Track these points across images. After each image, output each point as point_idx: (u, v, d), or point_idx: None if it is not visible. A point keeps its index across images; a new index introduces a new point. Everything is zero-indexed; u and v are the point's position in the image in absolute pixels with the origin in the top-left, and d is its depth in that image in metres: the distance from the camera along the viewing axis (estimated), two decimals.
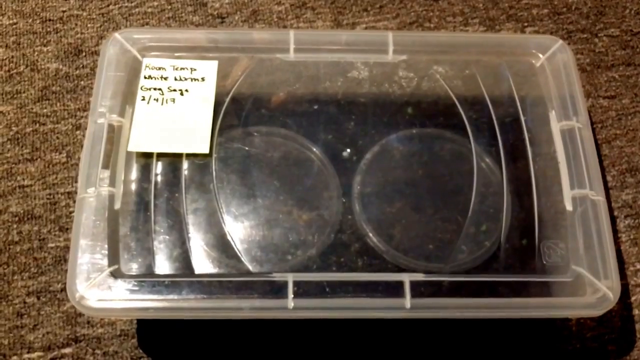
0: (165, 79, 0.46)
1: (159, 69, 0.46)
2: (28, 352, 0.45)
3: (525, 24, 0.58)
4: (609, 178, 0.51)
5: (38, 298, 0.46)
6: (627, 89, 0.55)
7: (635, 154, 0.53)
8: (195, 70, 0.46)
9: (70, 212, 0.49)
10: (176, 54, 0.47)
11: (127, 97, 0.45)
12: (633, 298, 0.48)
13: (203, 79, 0.46)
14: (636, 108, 0.54)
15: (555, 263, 0.42)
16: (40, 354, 0.45)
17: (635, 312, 0.47)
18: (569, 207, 0.43)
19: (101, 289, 0.39)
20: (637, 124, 0.54)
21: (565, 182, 0.44)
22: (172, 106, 0.45)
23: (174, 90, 0.46)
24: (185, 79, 0.46)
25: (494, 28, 0.57)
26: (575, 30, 0.58)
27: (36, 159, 0.51)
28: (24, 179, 0.50)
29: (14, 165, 0.51)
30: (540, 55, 0.48)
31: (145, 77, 0.46)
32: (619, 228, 0.50)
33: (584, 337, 0.46)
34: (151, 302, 0.39)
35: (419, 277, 0.40)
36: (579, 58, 0.55)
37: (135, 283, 0.39)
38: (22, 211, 0.49)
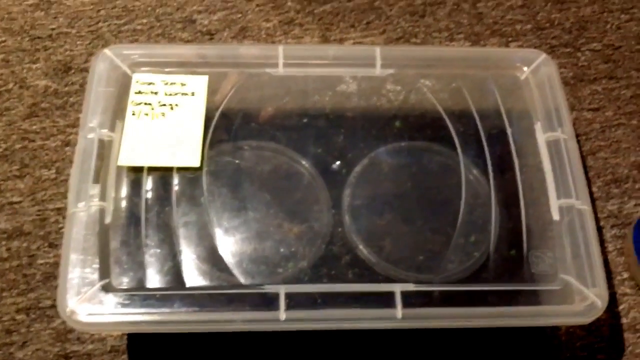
0: (156, 93, 0.46)
1: (149, 84, 0.46)
2: None
3: (510, 39, 0.59)
4: (594, 189, 0.52)
5: (27, 315, 0.46)
6: (610, 101, 0.56)
7: (620, 165, 0.54)
8: (185, 85, 0.47)
9: (60, 228, 0.49)
10: (166, 70, 0.47)
11: (117, 112, 0.45)
12: (621, 307, 0.48)
13: (193, 94, 0.47)
14: (619, 120, 0.55)
15: (544, 272, 0.42)
16: None
17: (624, 320, 0.48)
18: (556, 216, 0.44)
19: (92, 303, 0.39)
20: (620, 135, 0.55)
21: (552, 192, 0.44)
22: (163, 120, 0.46)
23: (164, 104, 0.46)
24: (176, 94, 0.46)
25: (479, 43, 0.58)
26: (559, 44, 0.59)
27: (25, 176, 0.51)
28: (13, 196, 0.50)
29: (2, 182, 0.51)
30: (525, 69, 0.49)
31: (135, 92, 0.46)
32: (605, 238, 0.51)
33: (574, 346, 0.46)
34: (142, 316, 0.39)
35: (410, 287, 0.41)
36: (562, 72, 0.56)
37: (127, 297, 0.39)
38: (11, 228, 0.49)
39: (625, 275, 0.49)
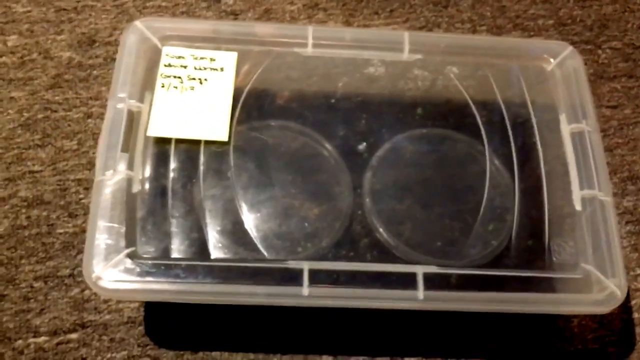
0: (185, 67, 0.46)
1: (179, 57, 0.46)
2: (34, 337, 0.44)
3: (532, 34, 0.59)
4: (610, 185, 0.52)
5: (45, 283, 0.46)
6: (629, 99, 0.57)
7: (636, 162, 0.54)
8: (214, 60, 0.47)
9: (80, 199, 0.49)
10: (195, 45, 0.47)
11: (146, 84, 0.45)
12: (633, 302, 0.48)
13: (222, 69, 0.47)
14: (637, 118, 0.56)
15: (565, 261, 0.43)
16: (46, 338, 0.44)
17: (635, 315, 0.48)
18: (578, 207, 0.44)
19: (117, 270, 0.39)
20: (638, 133, 0.55)
21: (575, 183, 0.45)
22: (192, 94, 0.46)
23: (194, 78, 0.46)
24: (205, 69, 0.47)
25: (501, 36, 0.58)
26: (580, 41, 0.59)
27: (47, 145, 0.51)
28: (34, 165, 0.50)
29: (24, 150, 0.51)
30: (552, 60, 0.49)
31: (165, 65, 0.46)
32: (620, 234, 0.51)
33: (585, 338, 0.46)
34: (167, 285, 0.39)
35: (432, 269, 0.41)
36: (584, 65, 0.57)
37: (152, 265, 0.39)
38: (31, 196, 0.49)
39: (639, 271, 0.50)
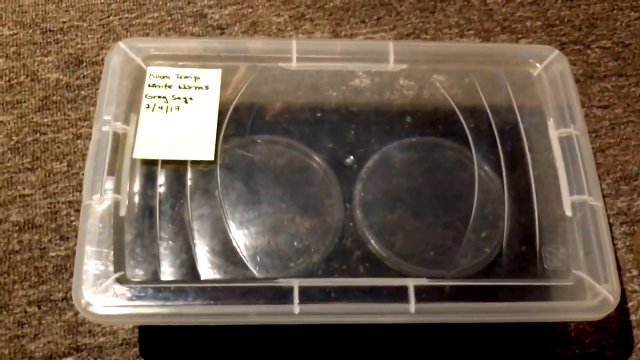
0: (170, 87, 0.46)
1: (163, 77, 0.46)
2: None
3: (520, 36, 0.59)
4: (603, 186, 0.52)
5: (39, 307, 0.46)
6: (620, 99, 0.56)
7: (629, 162, 0.54)
8: (199, 78, 0.47)
9: (72, 221, 0.49)
10: (180, 63, 0.47)
11: (131, 106, 0.45)
12: (630, 304, 0.48)
13: (207, 87, 0.47)
14: (629, 117, 0.56)
15: (556, 268, 0.43)
16: None
17: (633, 317, 0.48)
18: (568, 212, 0.44)
19: (107, 295, 0.39)
20: (630, 133, 0.55)
21: (565, 188, 0.44)
22: (177, 114, 0.46)
23: (179, 98, 0.46)
24: (189, 87, 0.46)
25: (489, 40, 0.58)
26: (568, 41, 0.59)
27: (37, 168, 0.51)
28: (24, 188, 0.50)
29: (14, 174, 0.51)
30: (538, 65, 0.49)
31: (149, 86, 0.46)
32: (614, 235, 0.51)
33: (583, 342, 0.46)
34: (157, 308, 0.39)
35: (423, 282, 0.41)
36: (572, 69, 0.56)
37: (141, 289, 0.39)
38: (22, 220, 0.49)
39: (635, 272, 0.49)
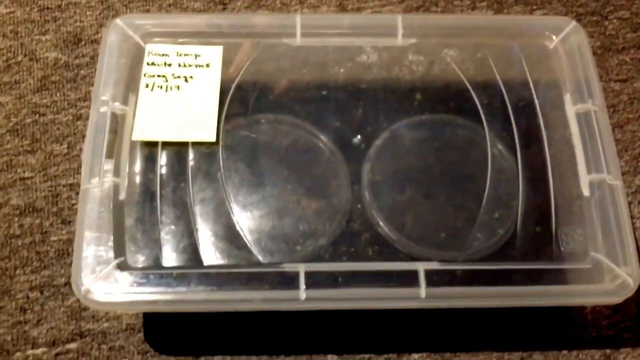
0: (169, 65, 0.45)
1: (162, 55, 0.45)
2: (32, 348, 0.44)
3: (534, 7, 0.57)
4: (621, 163, 0.51)
5: (41, 292, 0.45)
6: (639, 72, 0.54)
7: None
8: (199, 56, 0.45)
9: (73, 205, 0.48)
10: (179, 40, 0.46)
11: (130, 85, 0.44)
12: None
13: (208, 65, 0.45)
14: None
15: (573, 250, 0.41)
16: (45, 349, 0.44)
17: None
18: (586, 192, 0.42)
19: (107, 282, 0.38)
20: None
21: (582, 167, 0.43)
22: (177, 93, 0.44)
23: (178, 77, 0.44)
24: (190, 65, 0.45)
25: (502, 11, 0.56)
26: (585, 13, 0.57)
27: (36, 151, 0.50)
28: (24, 171, 0.49)
29: (13, 157, 0.50)
30: (554, 37, 0.47)
31: (148, 64, 0.45)
32: (633, 214, 0.49)
33: (600, 325, 0.45)
34: (159, 295, 0.38)
35: (434, 265, 0.39)
36: (589, 41, 0.54)
37: (142, 275, 0.38)
38: (23, 204, 0.48)
39: None
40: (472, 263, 0.41)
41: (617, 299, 0.39)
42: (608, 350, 0.44)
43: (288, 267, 0.39)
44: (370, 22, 0.47)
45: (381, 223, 0.42)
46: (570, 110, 0.45)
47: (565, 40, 0.47)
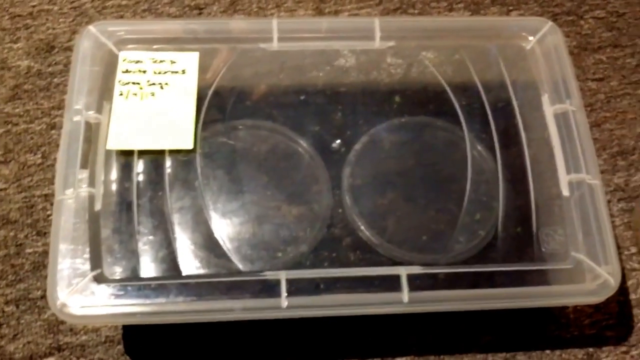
0: (144, 72, 0.44)
1: (137, 62, 0.44)
2: None
3: (511, 8, 0.57)
4: (600, 162, 0.51)
5: (17, 306, 0.44)
6: (615, 70, 0.55)
7: (626, 136, 0.52)
8: (175, 62, 0.45)
9: (48, 216, 0.47)
10: (154, 47, 0.45)
11: (104, 93, 0.43)
12: (629, 282, 0.47)
13: (184, 72, 0.44)
14: (625, 90, 0.54)
15: (554, 250, 0.41)
16: None
17: (632, 296, 0.47)
18: (565, 192, 0.42)
19: (84, 295, 0.37)
20: (626, 106, 0.53)
21: (561, 167, 0.43)
22: (152, 101, 0.43)
23: (154, 84, 0.44)
24: (165, 72, 0.44)
25: (479, 12, 0.56)
26: (561, 12, 0.57)
27: (10, 161, 0.49)
28: None
29: None
30: (531, 38, 0.47)
31: (122, 71, 0.44)
32: (612, 212, 0.49)
33: (582, 324, 0.45)
34: (137, 307, 0.37)
35: (416, 269, 0.39)
36: (565, 41, 0.55)
37: (120, 287, 0.38)
38: None
39: (633, 250, 0.48)
40: (454, 266, 0.40)
41: (598, 299, 0.39)
42: (591, 349, 0.45)
43: (269, 275, 0.38)
44: (348, 25, 0.47)
45: (362, 227, 0.42)
46: (549, 110, 0.45)
47: (542, 40, 0.47)
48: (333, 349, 0.44)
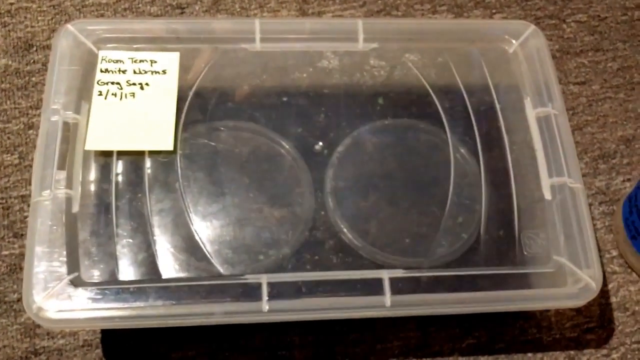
0: (124, 72, 0.43)
1: (117, 61, 0.43)
2: None
3: (494, 11, 0.57)
4: (581, 165, 0.51)
5: None
6: (597, 74, 0.55)
7: (607, 140, 0.53)
8: (155, 62, 0.44)
9: (25, 217, 0.46)
10: (134, 46, 0.44)
11: (82, 93, 0.42)
12: (610, 285, 0.47)
13: (164, 72, 0.44)
14: (606, 94, 0.54)
15: (536, 253, 0.41)
16: None
17: (613, 299, 0.47)
18: (547, 195, 0.42)
19: (60, 298, 0.36)
20: (607, 109, 0.54)
21: (543, 171, 0.43)
22: (132, 101, 0.43)
23: (134, 84, 0.43)
24: (145, 72, 0.44)
25: (462, 15, 0.56)
26: (544, 16, 0.57)
27: None
28: None
29: None
30: (513, 41, 0.47)
31: (101, 71, 0.43)
32: (593, 215, 0.50)
33: (563, 326, 0.45)
34: (116, 311, 0.37)
35: (399, 273, 0.39)
36: (547, 44, 0.55)
37: (98, 291, 0.37)
38: None
39: (614, 253, 0.48)
40: (436, 270, 0.40)
41: (580, 302, 0.40)
42: (572, 352, 0.45)
43: (250, 278, 0.38)
44: (331, 27, 0.47)
45: (345, 230, 0.42)
46: (531, 114, 0.45)
47: (524, 44, 0.47)
48: (315, 349, 0.43)
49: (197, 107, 0.44)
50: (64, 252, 0.38)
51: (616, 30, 0.57)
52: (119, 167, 0.41)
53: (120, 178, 0.41)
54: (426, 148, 0.45)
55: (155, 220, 0.40)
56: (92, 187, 0.41)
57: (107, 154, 0.41)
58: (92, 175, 0.41)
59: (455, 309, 0.39)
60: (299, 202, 0.42)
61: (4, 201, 0.47)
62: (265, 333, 0.43)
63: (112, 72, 0.43)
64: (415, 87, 0.46)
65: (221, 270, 0.40)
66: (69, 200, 0.39)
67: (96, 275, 0.38)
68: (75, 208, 0.39)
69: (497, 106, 0.45)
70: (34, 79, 0.51)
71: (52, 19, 0.53)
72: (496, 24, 0.51)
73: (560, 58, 0.55)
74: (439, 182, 0.44)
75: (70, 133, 0.41)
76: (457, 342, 0.44)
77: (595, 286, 0.39)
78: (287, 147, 0.44)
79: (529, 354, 0.44)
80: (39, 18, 0.53)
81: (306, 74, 0.46)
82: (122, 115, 0.42)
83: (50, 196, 0.38)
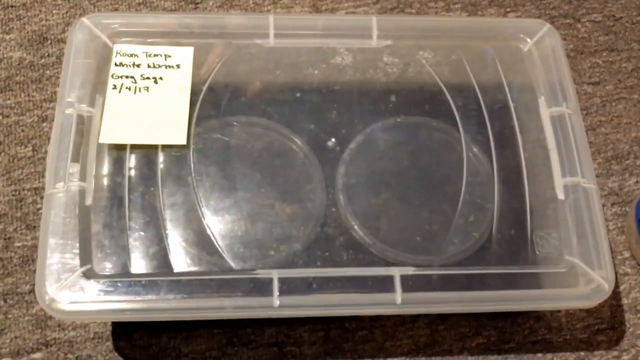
0: (138, 66, 0.43)
1: (131, 55, 0.44)
2: None
3: (508, 10, 0.57)
4: (595, 166, 0.51)
5: (5, 301, 0.44)
6: (611, 74, 0.55)
7: (621, 140, 0.52)
8: (169, 57, 0.44)
9: (38, 209, 0.46)
10: (149, 40, 0.44)
11: (97, 86, 0.43)
12: (622, 287, 0.47)
13: (178, 66, 0.44)
14: (620, 94, 0.54)
15: (548, 253, 0.41)
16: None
17: (625, 301, 0.47)
18: (560, 195, 0.42)
19: (73, 290, 0.37)
20: (621, 110, 0.53)
21: (557, 170, 0.43)
22: (146, 95, 0.43)
23: (148, 78, 0.43)
24: (159, 66, 0.44)
25: (477, 14, 0.56)
26: (558, 15, 0.57)
27: (0, 153, 0.48)
28: None
29: None
30: (528, 40, 0.47)
31: (116, 65, 0.43)
32: (605, 216, 0.49)
33: (574, 327, 0.45)
34: (127, 304, 0.37)
35: (410, 270, 0.39)
36: (562, 43, 0.55)
37: (110, 283, 0.37)
38: None
39: (626, 254, 0.48)
40: (447, 268, 0.40)
41: (591, 303, 0.39)
42: (582, 353, 0.44)
43: (261, 274, 0.38)
44: (345, 23, 0.47)
45: (356, 227, 0.42)
46: (545, 113, 0.45)
47: (539, 43, 0.47)
48: (324, 346, 0.43)
49: (210, 102, 0.44)
50: (77, 245, 0.38)
51: (631, 31, 0.56)
52: (132, 160, 0.42)
53: (133, 171, 0.41)
54: (438, 146, 0.45)
55: (168, 214, 0.40)
56: (106, 180, 0.41)
57: (120, 147, 0.42)
58: (106, 168, 0.41)
59: (465, 307, 0.39)
60: (311, 198, 0.42)
61: (17, 193, 0.47)
62: (275, 328, 0.43)
63: (127, 66, 0.43)
64: (429, 85, 0.46)
65: (232, 264, 0.40)
66: (82, 192, 0.39)
67: (108, 267, 0.39)
68: (89, 201, 0.40)
69: (511, 105, 0.45)
70: (48, 72, 0.51)
71: (66, 12, 0.54)
72: (511, 22, 0.51)
73: (575, 58, 0.55)
74: (451, 181, 0.44)
75: (84, 126, 0.41)
76: (466, 341, 0.44)
77: (607, 287, 0.39)
78: (299, 143, 0.44)
79: (539, 355, 0.44)
80: (54, 11, 0.54)
81: (319, 70, 0.46)
82: (135, 109, 0.42)
83: (63, 188, 0.39)
